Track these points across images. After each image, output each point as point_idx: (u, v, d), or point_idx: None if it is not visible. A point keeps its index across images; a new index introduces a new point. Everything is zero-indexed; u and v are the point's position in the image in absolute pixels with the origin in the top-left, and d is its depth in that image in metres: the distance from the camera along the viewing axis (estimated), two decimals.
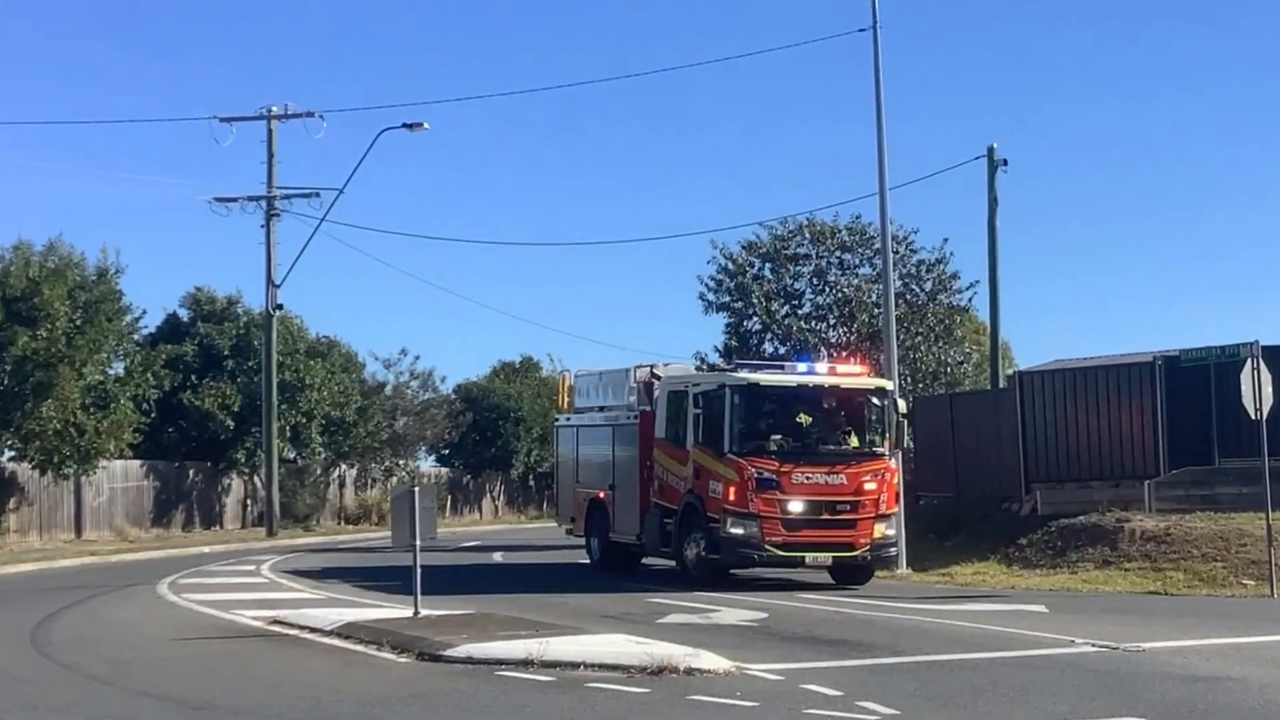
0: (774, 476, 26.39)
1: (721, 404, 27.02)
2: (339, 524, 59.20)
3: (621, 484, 30.37)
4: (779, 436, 27.18)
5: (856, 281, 45.48)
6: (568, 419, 33.83)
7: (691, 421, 27.64)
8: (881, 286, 35.83)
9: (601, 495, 31.05)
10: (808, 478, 26.59)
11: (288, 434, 54.01)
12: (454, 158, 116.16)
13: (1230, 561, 28.09)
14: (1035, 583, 28.45)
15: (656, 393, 29.53)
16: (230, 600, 24.32)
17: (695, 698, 14.05)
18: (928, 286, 45.84)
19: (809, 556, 26.74)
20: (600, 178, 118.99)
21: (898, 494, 28.85)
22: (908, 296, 44.86)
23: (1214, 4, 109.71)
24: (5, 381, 41.08)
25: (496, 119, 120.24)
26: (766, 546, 26.38)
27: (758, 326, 45.80)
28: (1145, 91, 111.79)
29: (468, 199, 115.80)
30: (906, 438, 30.56)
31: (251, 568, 33.37)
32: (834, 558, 27.01)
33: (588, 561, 32.06)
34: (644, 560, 30.77)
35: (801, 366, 29.60)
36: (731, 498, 26.47)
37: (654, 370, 30.37)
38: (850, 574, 27.66)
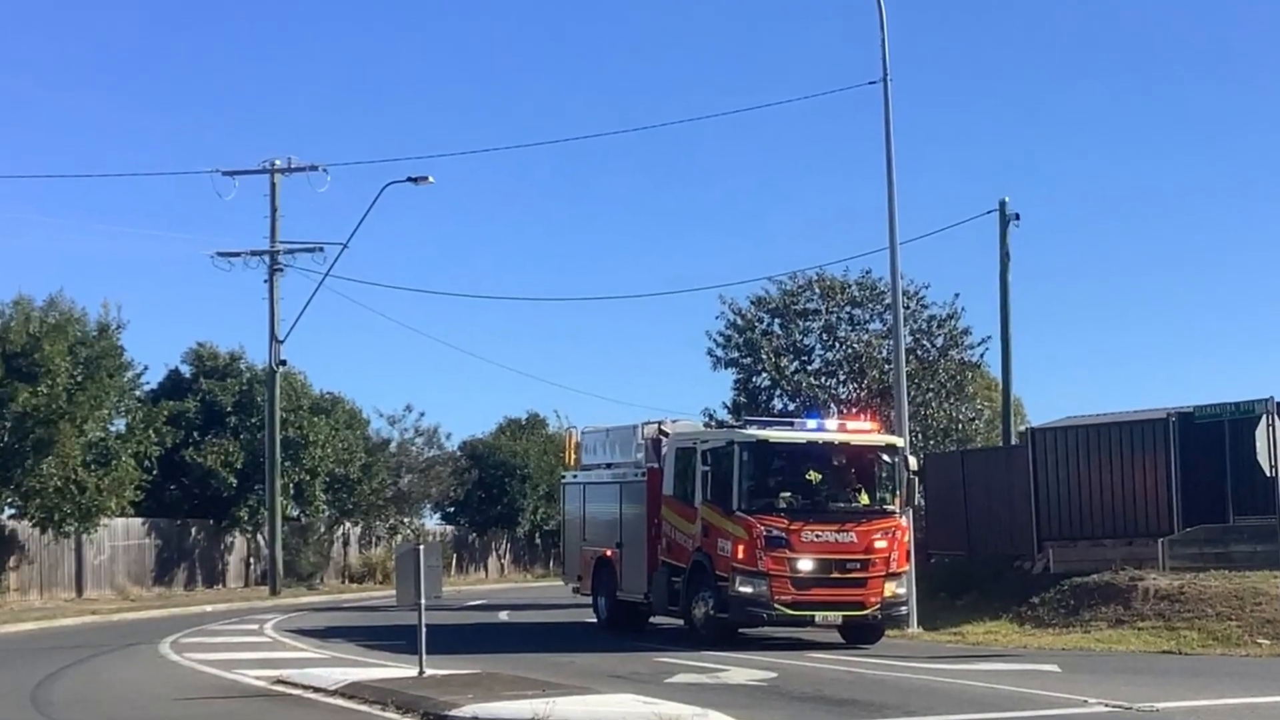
0: (783, 534, 26.15)
1: (730, 461, 26.79)
2: (343, 582, 58.92)
3: (629, 542, 30.12)
4: (788, 494, 26.97)
5: (867, 337, 45.30)
6: (574, 476, 33.64)
7: (700, 479, 27.42)
8: (892, 342, 35.64)
9: (609, 553, 30.80)
10: (817, 536, 26.36)
11: (291, 491, 53.79)
12: (459, 212, 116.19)
13: (1245, 621, 27.76)
14: (1048, 642, 28.15)
15: (664, 450, 29.34)
16: (233, 660, 24.06)
17: None
18: (939, 342, 45.67)
19: (819, 615, 26.59)
20: (607, 232, 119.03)
21: (908, 552, 28.58)
22: (919, 352, 44.66)
23: (1228, 58, 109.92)
24: (5, 438, 40.94)
25: (502, 173, 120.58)
26: (776, 605, 26.13)
27: (767, 383, 45.58)
28: (1159, 146, 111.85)
29: (473, 253, 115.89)
30: (917, 495, 30.34)
31: (255, 627, 33.11)
32: (844, 617, 26.83)
33: (595, 620, 31.81)
34: (652, 619, 30.52)
35: (811, 423, 29.32)
36: (740, 556, 26.20)
37: (662, 427, 30.19)
38: (860, 633, 27.42)
